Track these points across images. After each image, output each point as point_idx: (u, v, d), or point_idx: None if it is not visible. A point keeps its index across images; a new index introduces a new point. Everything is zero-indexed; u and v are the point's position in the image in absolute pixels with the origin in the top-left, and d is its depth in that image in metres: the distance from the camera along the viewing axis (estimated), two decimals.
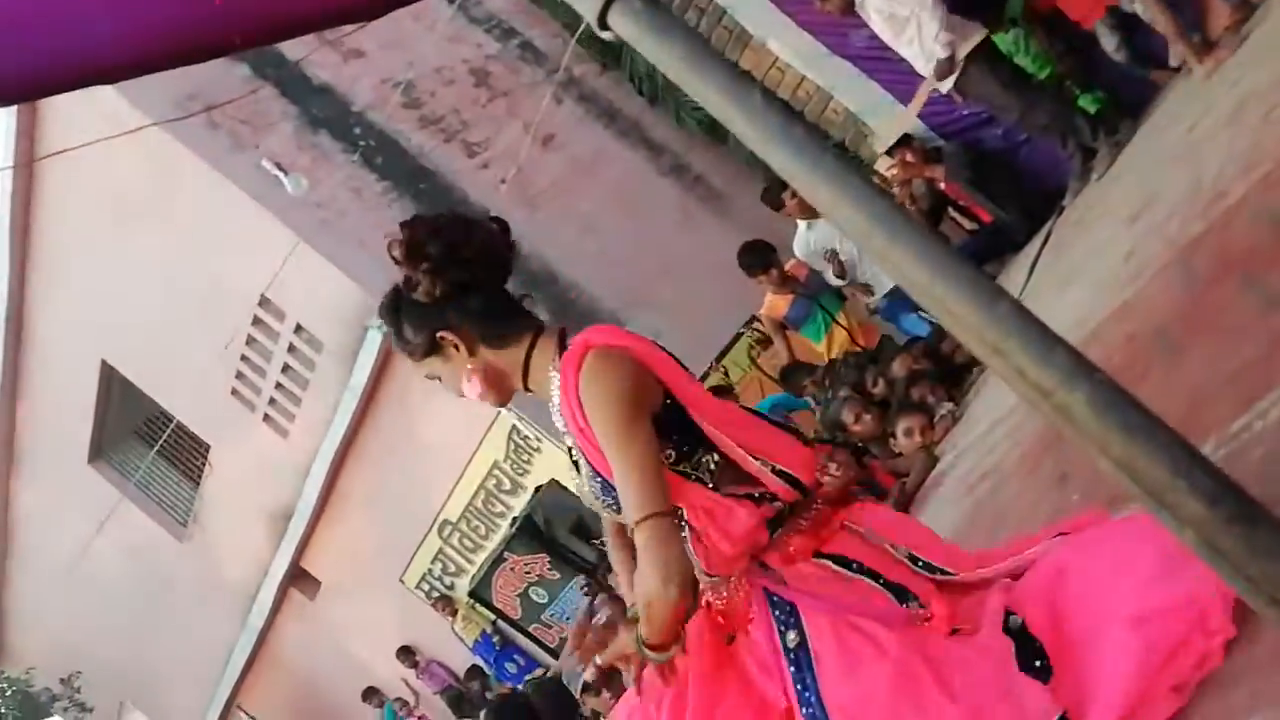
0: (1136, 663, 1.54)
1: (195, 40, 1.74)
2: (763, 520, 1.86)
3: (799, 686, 1.75)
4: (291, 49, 7.81)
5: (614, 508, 1.87)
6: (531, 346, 1.91)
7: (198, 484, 11.54)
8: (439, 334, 1.89)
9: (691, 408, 1.85)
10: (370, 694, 11.11)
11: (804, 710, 1.73)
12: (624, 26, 1.13)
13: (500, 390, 1.96)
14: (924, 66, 5.77)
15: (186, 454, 11.62)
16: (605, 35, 1.19)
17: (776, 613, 1.84)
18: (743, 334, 7.38)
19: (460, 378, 1.94)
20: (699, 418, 1.85)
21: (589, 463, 1.86)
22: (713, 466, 1.85)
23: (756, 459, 1.86)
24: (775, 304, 6.67)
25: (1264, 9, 5.00)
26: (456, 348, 1.91)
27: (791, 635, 1.81)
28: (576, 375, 1.81)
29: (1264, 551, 0.93)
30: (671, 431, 1.82)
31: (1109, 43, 5.66)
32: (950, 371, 5.35)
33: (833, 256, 6.38)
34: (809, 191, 1.15)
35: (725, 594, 1.90)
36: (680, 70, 1.13)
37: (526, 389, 1.95)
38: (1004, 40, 6.01)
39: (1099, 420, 0.99)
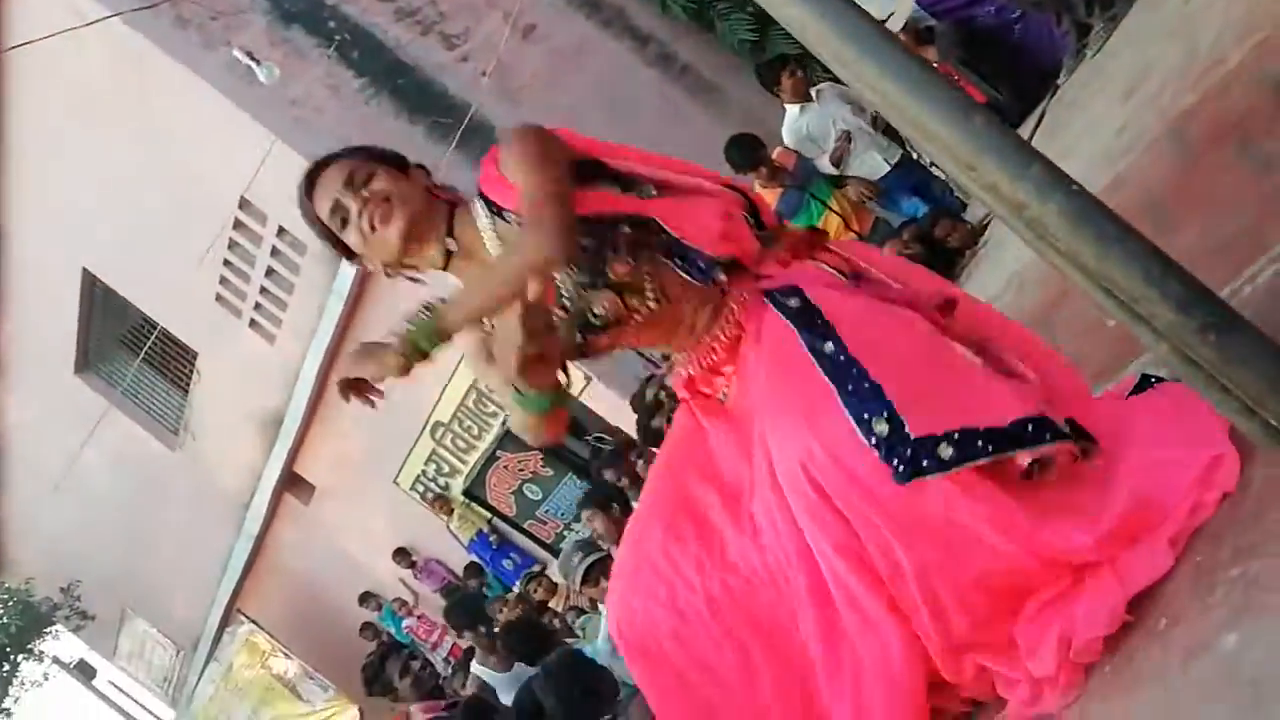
0: (1134, 503, 1.53)
1: None
2: (738, 206, 1.87)
3: (803, 325, 1.70)
4: None
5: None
6: (455, 208, 1.90)
7: (187, 392, 11.53)
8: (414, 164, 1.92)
9: (614, 156, 1.85)
10: (367, 598, 11.27)
11: (814, 347, 1.67)
12: None
13: (420, 234, 1.87)
14: None
15: (174, 362, 11.58)
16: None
17: (777, 295, 1.79)
18: None
19: (411, 199, 1.86)
20: (624, 164, 1.85)
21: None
22: (655, 191, 1.84)
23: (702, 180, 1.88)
24: (763, 198, 6.55)
25: None
26: (423, 167, 1.91)
27: (794, 300, 1.76)
28: (494, 164, 1.84)
29: (1238, 358, 0.91)
30: (608, 177, 1.82)
31: None
32: (941, 254, 5.28)
33: (844, 137, 6.26)
34: (777, 9, 1.07)
35: (730, 320, 1.83)
36: None
37: (447, 257, 1.89)
38: None
39: (1073, 231, 0.96)
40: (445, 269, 1.92)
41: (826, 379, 1.63)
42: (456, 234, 1.88)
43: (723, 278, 1.83)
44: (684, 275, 1.83)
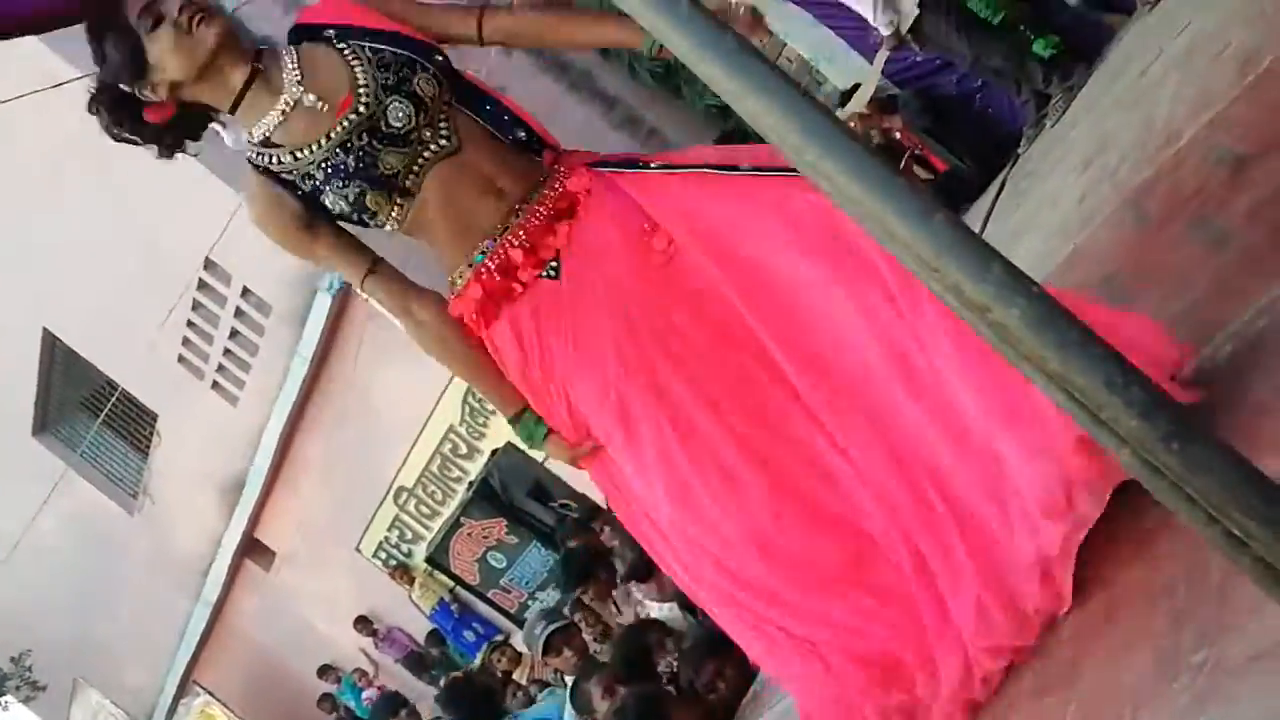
0: None
1: None
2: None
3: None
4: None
5: (406, 73, 1.85)
6: (257, 73, 1.88)
7: (146, 455, 11.35)
8: None
9: None
10: (326, 671, 11.04)
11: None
12: None
13: (233, 45, 1.86)
14: (875, 19, 5.70)
15: (134, 424, 11.41)
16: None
17: (613, 163, 1.91)
18: None
19: (226, 23, 1.86)
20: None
21: (375, 46, 1.86)
22: None
23: None
24: None
25: None
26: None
27: (642, 163, 1.90)
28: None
29: (1202, 467, 0.91)
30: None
31: None
32: None
33: None
34: (736, 102, 1.08)
35: (558, 185, 1.88)
36: None
37: (242, 92, 1.88)
38: None
39: (1035, 336, 0.95)
40: (234, 109, 1.89)
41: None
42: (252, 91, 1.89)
43: (522, 135, 1.90)
44: (485, 125, 1.88)
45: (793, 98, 1.05)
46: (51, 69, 7.36)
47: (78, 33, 2.00)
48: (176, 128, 1.94)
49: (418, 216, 1.87)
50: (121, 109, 1.88)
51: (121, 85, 1.86)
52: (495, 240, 1.85)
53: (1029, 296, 0.93)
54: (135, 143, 1.94)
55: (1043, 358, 0.93)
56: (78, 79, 6.64)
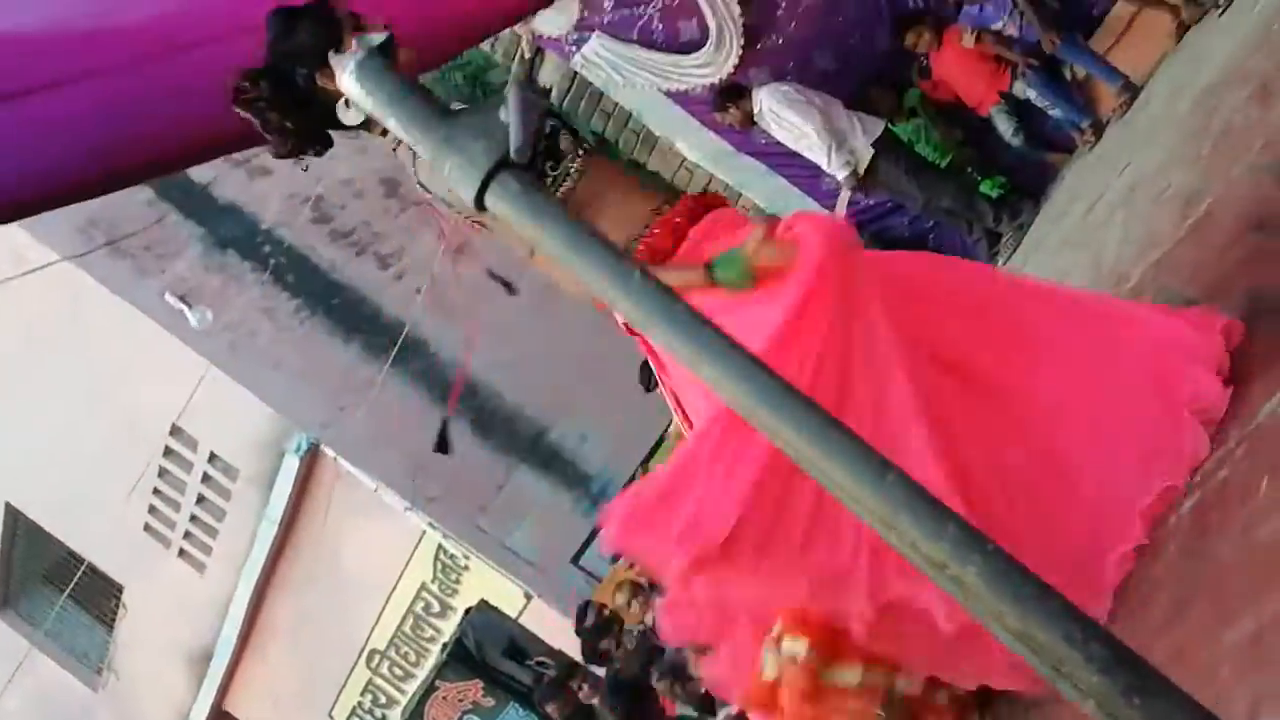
0: None
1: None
2: None
3: None
4: (198, 172, 7.70)
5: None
6: None
7: (111, 627, 11.03)
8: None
9: None
10: None
11: None
12: (501, 208, 1.13)
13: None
14: (829, 164, 5.87)
15: (99, 596, 11.09)
16: (484, 216, 1.21)
17: None
18: (665, 439, 7.34)
19: None
20: None
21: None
22: None
23: None
24: None
25: (1147, 93, 5.21)
26: None
27: None
28: None
29: (1163, 719, 0.92)
30: None
31: (1005, 128, 5.83)
32: None
33: None
34: (693, 366, 1.13)
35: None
36: (559, 249, 1.12)
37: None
38: (905, 130, 6.16)
39: (993, 592, 0.97)
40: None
41: None
42: None
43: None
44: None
45: (744, 362, 1.08)
46: (16, 244, 7.44)
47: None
48: (320, 126, 2.03)
49: (599, 171, 2.17)
50: (285, 89, 1.97)
51: (298, 68, 1.95)
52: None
53: (984, 553, 0.94)
54: (276, 128, 2.00)
55: (1001, 613, 0.94)
56: (53, 264, 6.66)
